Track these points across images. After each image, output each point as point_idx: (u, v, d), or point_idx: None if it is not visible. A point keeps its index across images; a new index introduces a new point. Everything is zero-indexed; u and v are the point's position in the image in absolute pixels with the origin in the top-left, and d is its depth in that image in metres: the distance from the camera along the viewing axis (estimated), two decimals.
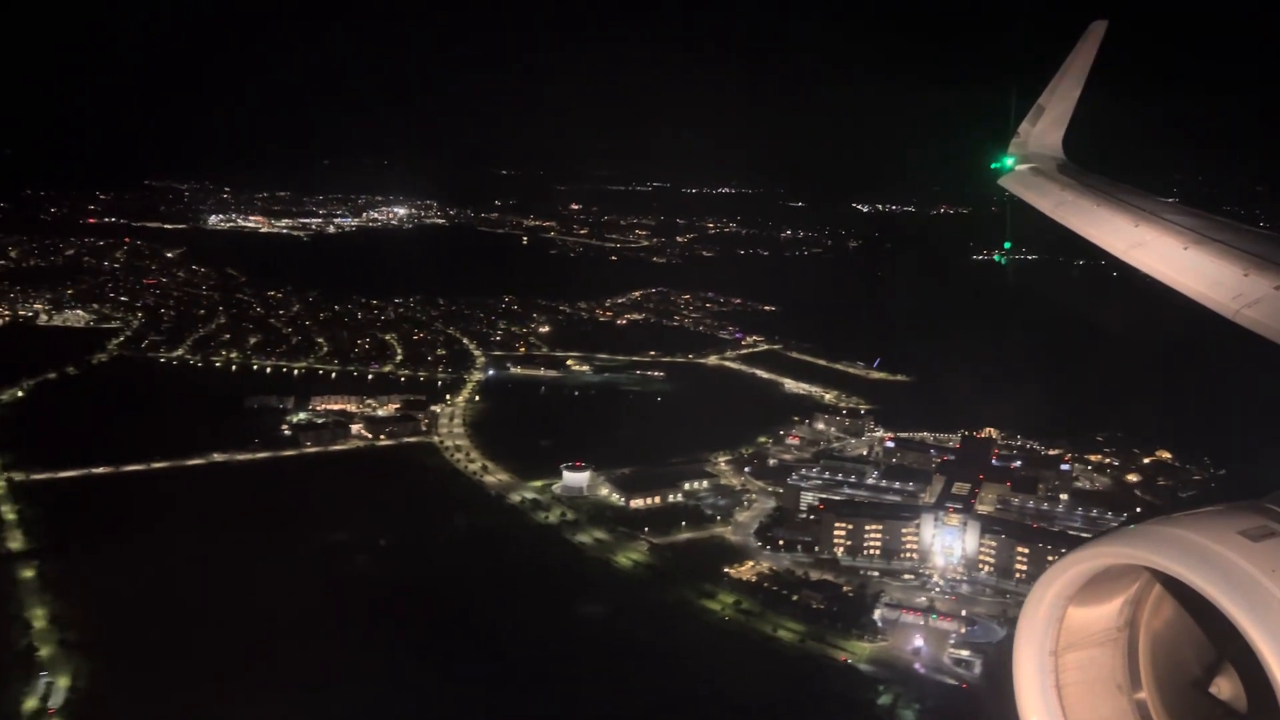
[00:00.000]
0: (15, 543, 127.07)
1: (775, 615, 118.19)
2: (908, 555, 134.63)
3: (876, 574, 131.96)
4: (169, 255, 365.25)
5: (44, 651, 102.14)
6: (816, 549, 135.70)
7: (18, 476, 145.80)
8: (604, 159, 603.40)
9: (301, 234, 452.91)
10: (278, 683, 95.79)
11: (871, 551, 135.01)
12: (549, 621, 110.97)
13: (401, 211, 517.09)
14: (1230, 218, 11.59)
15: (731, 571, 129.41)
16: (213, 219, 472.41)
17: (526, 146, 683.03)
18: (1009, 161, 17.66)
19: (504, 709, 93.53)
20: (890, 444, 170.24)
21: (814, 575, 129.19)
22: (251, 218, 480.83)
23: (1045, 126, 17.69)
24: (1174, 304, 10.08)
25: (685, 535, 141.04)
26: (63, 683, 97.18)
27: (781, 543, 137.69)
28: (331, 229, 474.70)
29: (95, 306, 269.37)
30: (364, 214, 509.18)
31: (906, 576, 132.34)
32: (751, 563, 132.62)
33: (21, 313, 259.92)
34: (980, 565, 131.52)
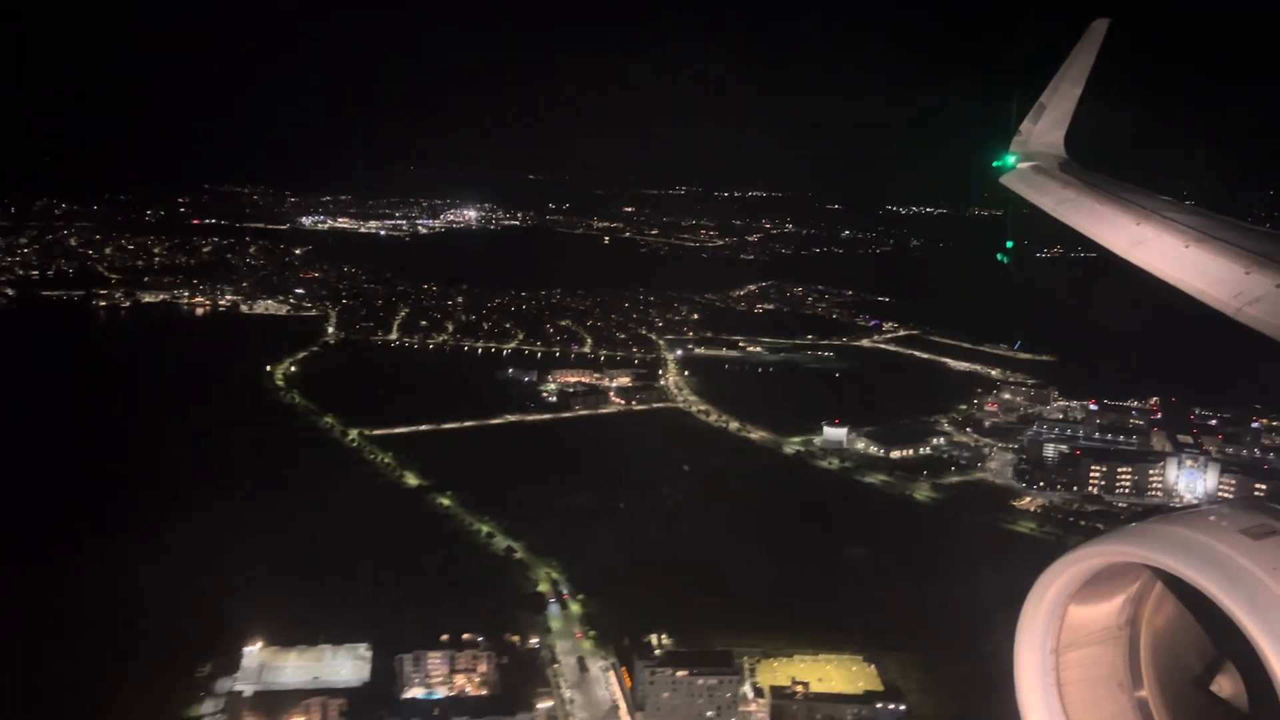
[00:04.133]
0: (413, 480, 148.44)
1: (1075, 536, 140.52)
2: (1154, 493, 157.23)
3: (1129, 508, 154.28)
4: (297, 252, 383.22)
5: (519, 555, 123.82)
6: (1075, 488, 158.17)
7: (367, 432, 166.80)
8: (626, 163, 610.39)
9: (403, 234, 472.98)
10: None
11: (1123, 490, 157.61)
12: (908, 534, 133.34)
13: (471, 214, 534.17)
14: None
15: (1016, 504, 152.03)
16: (305, 220, 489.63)
17: (547, 152, 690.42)
18: (1011, 160, 17.87)
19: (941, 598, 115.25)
20: (1094, 407, 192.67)
21: (1089, 508, 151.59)
22: (340, 219, 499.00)
23: (1047, 125, 17.85)
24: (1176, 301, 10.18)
25: (955, 479, 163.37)
26: (556, 574, 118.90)
27: (1042, 484, 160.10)
28: (422, 229, 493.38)
29: (281, 297, 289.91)
30: (441, 216, 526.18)
31: (1153, 510, 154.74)
32: (1028, 498, 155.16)
33: (221, 303, 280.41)
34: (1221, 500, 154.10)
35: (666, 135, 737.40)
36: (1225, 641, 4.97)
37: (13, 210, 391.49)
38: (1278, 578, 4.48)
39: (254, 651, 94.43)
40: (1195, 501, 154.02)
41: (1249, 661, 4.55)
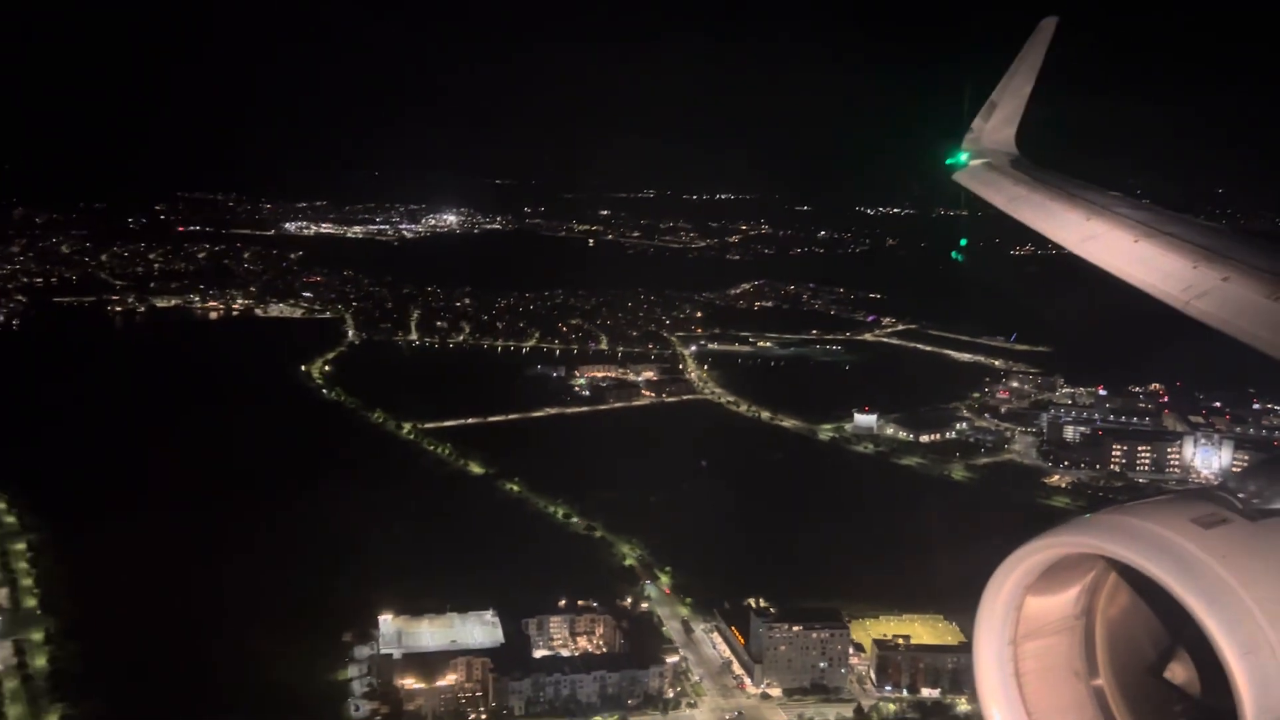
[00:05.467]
0: (477, 468, 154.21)
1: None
2: (1173, 469, 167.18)
3: (1150, 483, 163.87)
4: (292, 257, 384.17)
5: (599, 533, 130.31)
6: (1098, 466, 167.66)
7: (420, 425, 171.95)
8: (592, 167, 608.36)
9: (390, 239, 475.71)
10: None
11: (1143, 466, 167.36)
12: (957, 510, 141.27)
13: (452, 218, 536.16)
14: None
15: (1046, 481, 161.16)
16: (290, 226, 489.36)
17: (512, 156, 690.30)
18: (963, 157, 17.94)
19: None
20: (1102, 392, 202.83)
21: (1115, 484, 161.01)
22: (323, 225, 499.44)
23: (998, 122, 17.88)
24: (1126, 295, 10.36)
25: (985, 460, 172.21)
26: (639, 549, 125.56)
27: (1066, 463, 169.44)
28: (408, 234, 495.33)
29: (291, 301, 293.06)
30: (422, 221, 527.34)
31: (1173, 486, 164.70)
32: (1056, 476, 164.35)
33: (234, 307, 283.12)
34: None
35: (629, 139, 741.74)
36: (1178, 629, 5.09)
37: None
38: (1228, 565, 4.58)
39: (388, 620, 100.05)
40: (1213, 477, 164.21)
41: (1201, 649, 4.63)
